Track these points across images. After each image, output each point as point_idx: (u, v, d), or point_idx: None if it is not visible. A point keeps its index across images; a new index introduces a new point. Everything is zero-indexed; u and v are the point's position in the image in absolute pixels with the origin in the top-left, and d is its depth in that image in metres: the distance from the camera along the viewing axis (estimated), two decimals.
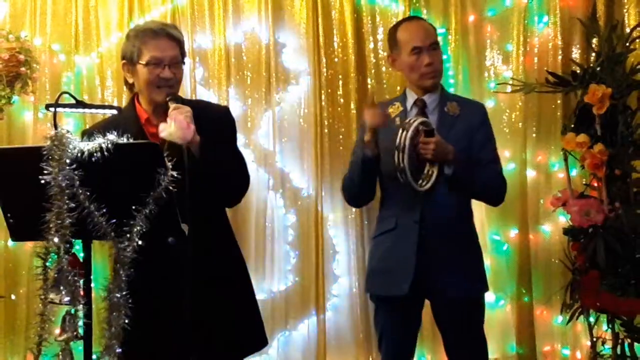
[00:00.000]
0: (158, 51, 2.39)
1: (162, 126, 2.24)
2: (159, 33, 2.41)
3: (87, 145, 1.92)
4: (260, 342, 2.58)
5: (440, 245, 2.69)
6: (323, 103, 4.19)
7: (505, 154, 4.02)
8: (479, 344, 2.83)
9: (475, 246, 2.86)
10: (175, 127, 2.22)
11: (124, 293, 1.97)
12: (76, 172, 1.89)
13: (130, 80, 2.48)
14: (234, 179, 2.48)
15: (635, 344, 3.35)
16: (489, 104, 4.06)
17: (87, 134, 2.35)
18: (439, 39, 2.90)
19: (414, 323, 2.84)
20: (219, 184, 2.38)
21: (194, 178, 2.20)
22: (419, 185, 2.60)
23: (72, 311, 1.94)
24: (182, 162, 2.19)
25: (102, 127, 2.25)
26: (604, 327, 3.43)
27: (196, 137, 2.28)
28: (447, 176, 2.63)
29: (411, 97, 2.84)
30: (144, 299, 2.07)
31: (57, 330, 1.96)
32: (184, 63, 2.48)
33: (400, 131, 2.54)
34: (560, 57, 3.97)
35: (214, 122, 2.46)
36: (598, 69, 3.46)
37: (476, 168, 2.73)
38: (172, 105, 2.33)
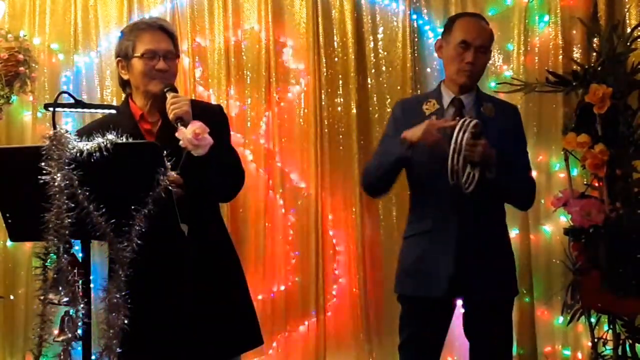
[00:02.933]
0: (152, 43, 2.42)
1: (179, 132, 2.23)
2: (152, 26, 2.45)
3: (86, 145, 1.91)
4: (255, 340, 2.58)
5: (477, 247, 2.66)
6: (323, 103, 4.18)
7: None
8: (509, 344, 2.83)
9: (509, 249, 2.84)
10: (191, 136, 2.20)
11: (123, 293, 1.96)
12: (75, 172, 1.88)
13: (126, 77, 2.49)
14: (231, 175, 2.50)
15: (637, 344, 3.34)
16: None
17: (81, 134, 2.33)
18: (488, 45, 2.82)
19: (442, 330, 2.80)
20: (217, 180, 2.38)
21: (191, 175, 2.19)
22: (464, 187, 2.55)
23: (71, 312, 1.93)
24: (181, 162, 2.19)
25: (97, 126, 2.28)
26: (605, 327, 3.43)
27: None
28: (490, 179, 2.60)
29: (447, 95, 2.79)
30: (142, 298, 2.06)
31: (56, 331, 1.95)
32: (178, 57, 2.50)
33: (457, 131, 2.48)
34: (561, 57, 3.96)
35: (209, 120, 2.44)
36: (599, 68, 3.45)
37: (514, 172, 2.71)
38: (169, 95, 2.34)
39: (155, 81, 2.41)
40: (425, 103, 2.80)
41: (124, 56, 2.47)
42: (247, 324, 2.55)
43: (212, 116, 2.50)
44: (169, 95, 2.34)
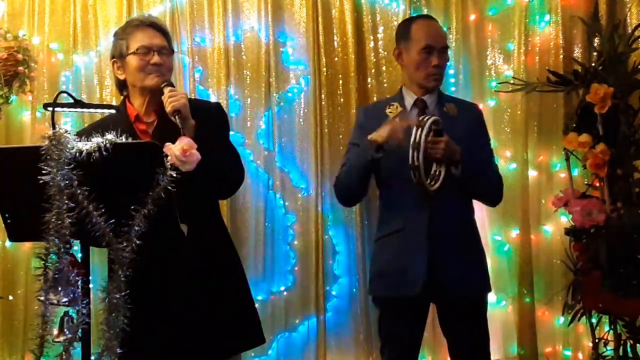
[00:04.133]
0: (145, 39, 2.44)
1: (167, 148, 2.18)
2: (144, 22, 2.48)
3: (86, 145, 1.90)
4: (256, 338, 2.57)
5: (448, 245, 2.70)
6: (323, 103, 4.17)
7: (506, 154, 4.01)
8: (484, 342, 2.84)
9: (479, 245, 2.89)
10: (179, 153, 2.11)
11: (122, 294, 1.96)
12: (74, 172, 1.88)
13: (122, 77, 2.51)
14: (229, 173, 2.49)
15: (638, 345, 3.33)
16: (490, 104, 4.05)
17: (81, 135, 2.28)
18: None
19: (419, 328, 2.83)
20: (214, 177, 2.37)
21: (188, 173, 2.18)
22: (429, 185, 2.59)
23: (71, 312, 1.93)
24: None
25: (95, 128, 2.29)
26: (606, 328, 3.42)
27: (190, 131, 2.28)
28: (455, 176, 2.62)
29: (409, 97, 2.84)
30: (142, 297, 2.06)
31: (55, 331, 1.94)
32: (173, 52, 2.52)
33: (415, 129, 2.53)
34: (561, 56, 3.96)
35: (207, 118, 2.46)
36: (600, 68, 3.44)
37: (479, 168, 2.75)
38: (166, 90, 2.33)
39: (151, 75, 2.42)
40: (388, 107, 2.86)
41: (118, 56, 2.49)
42: (248, 323, 2.55)
43: (209, 114, 2.51)
44: (166, 90, 2.34)
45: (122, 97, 2.62)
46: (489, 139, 2.96)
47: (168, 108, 2.30)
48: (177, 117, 2.28)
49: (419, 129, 2.52)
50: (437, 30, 2.88)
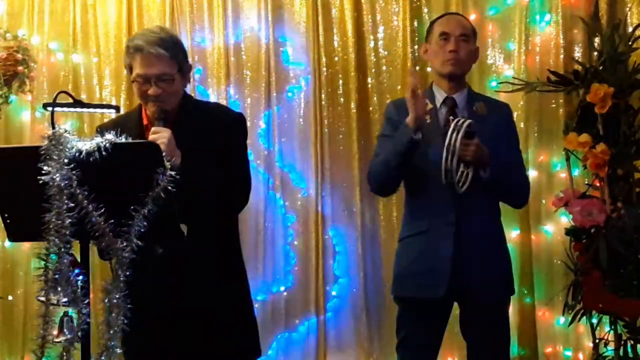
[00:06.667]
0: (143, 68, 2.32)
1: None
2: (141, 49, 2.32)
3: (85, 145, 1.90)
4: (253, 350, 2.53)
5: (474, 247, 2.65)
6: (323, 102, 4.17)
7: None
8: (505, 346, 2.82)
9: (504, 248, 2.83)
10: None
11: (122, 294, 1.95)
12: (74, 172, 1.87)
13: None
14: (221, 191, 2.35)
15: (638, 345, 3.33)
16: None
17: (102, 128, 2.30)
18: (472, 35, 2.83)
19: (439, 331, 2.79)
20: (200, 202, 2.28)
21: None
22: (458, 187, 2.56)
23: (70, 312, 1.92)
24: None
25: (112, 125, 2.33)
26: (607, 328, 3.42)
27: (177, 159, 2.22)
28: (483, 179, 2.60)
29: (439, 95, 2.79)
30: (139, 300, 2.05)
31: (55, 332, 1.94)
32: (182, 73, 2.39)
33: (451, 132, 2.50)
34: (562, 56, 3.94)
35: (220, 129, 2.40)
36: (600, 68, 3.45)
37: (508, 171, 2.71)
38: (153, 129, 2.28)
39: (150, 104, 2.36)
40: None
41: (129, 72, 2.42)
42: (243, 332, 2.49)
43: (222, 126, 2.42)
44: (152, 130, 2.28)
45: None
46: (517, 141, 2.89)
47: None
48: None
49: (454, 132, 2.49)
50: (455, 19, 2.85)
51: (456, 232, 2.66)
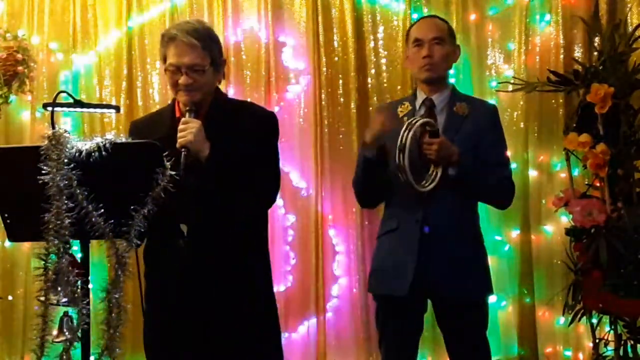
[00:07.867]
0: (175, 57, 2.34)
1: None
2: (175, 38, 2.34)
3: (85, 145, 1.90)
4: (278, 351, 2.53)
5: (442, 247, 2.66)
6: (323, 102, 4.17)
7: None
8: (481, 348, 2.80)
9: (480, 249, 2.81)
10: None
11: (122, 294, 1.95)
12: (74, 172, 1.87)
13: None
14: (248, 195, 2.36)
15: (638, 345, 3.32)
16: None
17: (137, 124, 2.56)
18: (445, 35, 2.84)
19: (414, 325, 2.80)
20: (225, 202, 2.29)
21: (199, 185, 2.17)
22: (421, 185, 2.60)
23: (70, 312, 1.92)
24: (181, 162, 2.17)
25: (146, 119, 2.61)
26: (607, 328, 3.41)
27: (206, 150, 2.25)
28: (452, 177, 2.61)
29: (420, 97, 2.82)
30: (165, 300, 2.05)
31: (54, 332, 1.94)
32: (215, 66, 2.39)
33: (403, 130, 2.53)
34: (562, 56, 3.95)
35: (251, 125, 2.41)
36: (600, 68, 3.44)
37: (482, 170, 2.69)
38: (183, 120, 2.30)
39: (180, 93, 2.36)
40: (399, 106, 2.86)
41: (163, 62, 2.43)
42: (249, 333, 2.42)
43: (253, 123, 2.42)
44: (182, 120, 2.30)
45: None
46: (501, 140, 2.84)
47: (178, 141, 2.26)
48: (183, 151, 2.22)
49: (405, 131, 2.52)
50: (427, 23, 2.85)
51: (422, 231, 2.68)
